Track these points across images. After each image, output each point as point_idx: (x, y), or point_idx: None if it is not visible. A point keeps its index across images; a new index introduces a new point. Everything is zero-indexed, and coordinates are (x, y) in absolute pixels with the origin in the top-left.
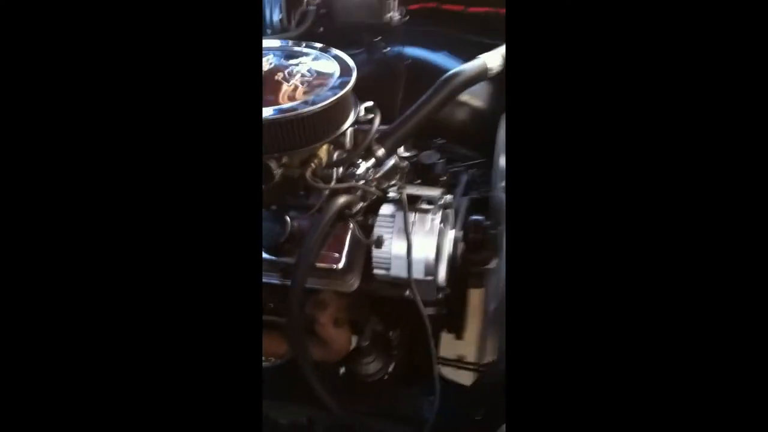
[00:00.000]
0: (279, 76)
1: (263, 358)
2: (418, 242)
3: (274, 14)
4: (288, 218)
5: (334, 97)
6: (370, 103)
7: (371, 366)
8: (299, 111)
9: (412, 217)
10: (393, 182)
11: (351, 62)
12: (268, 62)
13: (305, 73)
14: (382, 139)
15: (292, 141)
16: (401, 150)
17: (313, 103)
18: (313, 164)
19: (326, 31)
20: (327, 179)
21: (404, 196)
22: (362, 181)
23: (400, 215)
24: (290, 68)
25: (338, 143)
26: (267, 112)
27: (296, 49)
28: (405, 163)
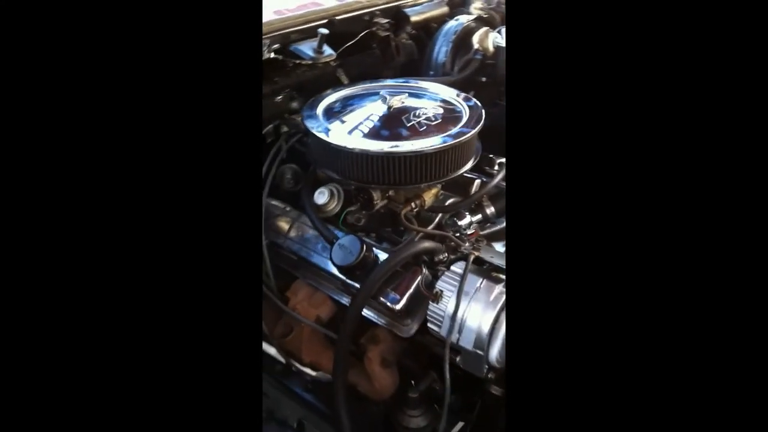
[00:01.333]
0: (404, 115)
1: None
2: (475, 310)
3: (440, 55)
4: (363, 245)
5: (451, 142)
6: (502, 159)
7: (414, 420)
8: (409, 149)
9: (479, 282)
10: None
11: (482, 111)
12: (400, 101)
13: (430, 117)
14: (496, 197)
15: (400, 177)
16: None
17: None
18: (413, 204)
19: (487, 82)
20: (427, 222)
21: (470, 257)
22: (458, 234)
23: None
24: (418, 110)
25: (455, 188)
26: (381, 145)
27: (441, 93)
28: None
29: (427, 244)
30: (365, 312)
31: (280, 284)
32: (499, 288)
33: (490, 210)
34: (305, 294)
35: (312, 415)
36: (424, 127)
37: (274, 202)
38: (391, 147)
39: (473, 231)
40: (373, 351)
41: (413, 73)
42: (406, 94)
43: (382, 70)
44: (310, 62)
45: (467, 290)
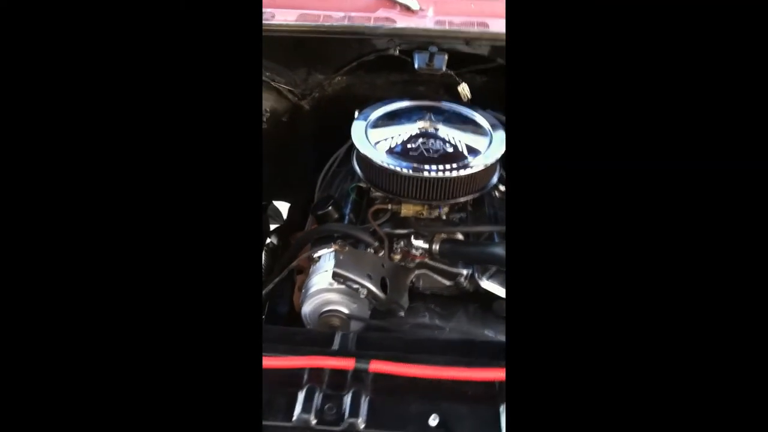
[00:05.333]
0: (421, 141)
1: None
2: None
3: None
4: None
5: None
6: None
7: None
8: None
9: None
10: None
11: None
12: (425, 127)
13: (447, 149)
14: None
15: (401, 191)
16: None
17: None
18: (390, 206)
19: None
20: (400, 225)
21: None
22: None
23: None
24: (437, 142)
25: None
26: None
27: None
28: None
29: (346, 230)
30: None
31: None
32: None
33: (436, 246)
34: None
35: None
36: (437, 155)
37: None
38: (398, 166)
39: (419, 255)
40: (299, 278)
41: None
42: (440, 122)
43: None
44: (425, 71)
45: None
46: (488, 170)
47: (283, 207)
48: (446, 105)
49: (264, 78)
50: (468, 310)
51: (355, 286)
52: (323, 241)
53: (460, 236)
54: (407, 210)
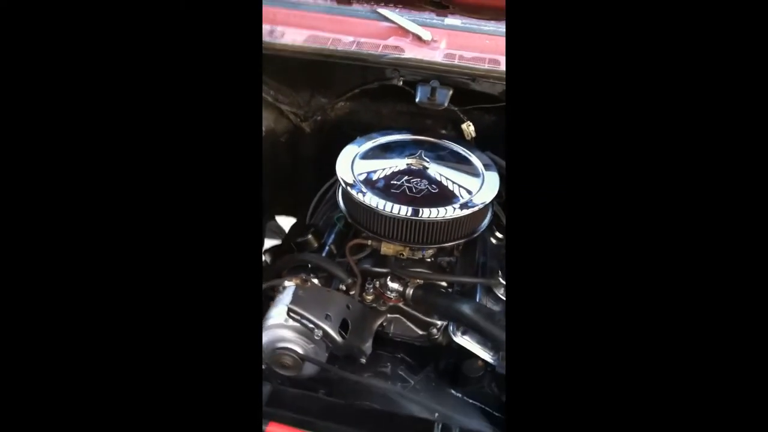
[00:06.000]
0: (406, 179)
1: None
2: None
3: None
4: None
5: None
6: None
7: None
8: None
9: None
10: None
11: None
12: (413, 163)
13: (432, 190)
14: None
15: (383, 232)
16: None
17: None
18: (369, 243)
19: None
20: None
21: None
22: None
23: None
24: (422, 181)
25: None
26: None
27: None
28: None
29: (319, 262)
30: None
31: None
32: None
33: (409, 292)
34: None
35: None
36: (419, 195)
37: None
38: (375, 203)
39: (394, 298)
40: None
41: None
42: (430, 160)
43: None
44: (426, 105)
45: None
46: (475, 216)
47: (285, 223)
48: (445, 143)
49: (266, 96)
50: (438, 365)
51: (311, 325)
52: (297, 270)
53: (444, 284)
54: (387, 249)
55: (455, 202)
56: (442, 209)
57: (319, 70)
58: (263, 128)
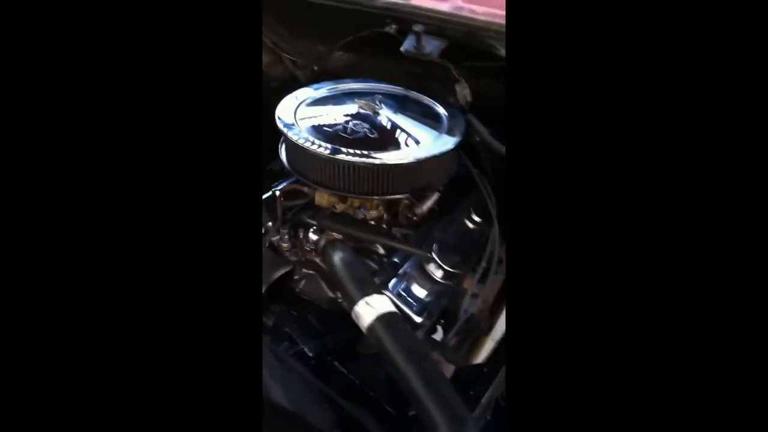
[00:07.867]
0: (353, 123)
1: None
2: None
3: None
4: None
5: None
6: None
7: None
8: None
9: None
10: None
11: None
12: (365, 108)
13: (370, 133)
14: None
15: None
16: None
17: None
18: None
19: None
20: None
21: None
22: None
23: None
24: (368, 125)
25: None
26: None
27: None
28: None
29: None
30: None
31: None
32: None
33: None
34: None
35: None
36: (353, 137)
37: None
38: (305, 141)
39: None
40: None
41: None
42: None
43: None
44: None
45: None
46: (413, 171)
47: None
48: (422, 98)
49: (265, 40)
50: (337, 338)
51: None
52: None
53: (380, 249)
54: (321, 199)
55: (389, 150)
56: (366, 153)
57: (318, 15)
58: None
